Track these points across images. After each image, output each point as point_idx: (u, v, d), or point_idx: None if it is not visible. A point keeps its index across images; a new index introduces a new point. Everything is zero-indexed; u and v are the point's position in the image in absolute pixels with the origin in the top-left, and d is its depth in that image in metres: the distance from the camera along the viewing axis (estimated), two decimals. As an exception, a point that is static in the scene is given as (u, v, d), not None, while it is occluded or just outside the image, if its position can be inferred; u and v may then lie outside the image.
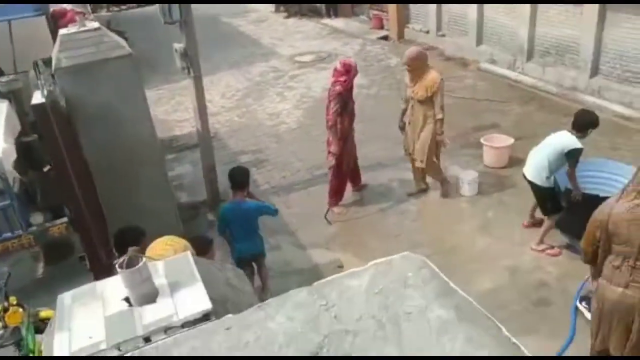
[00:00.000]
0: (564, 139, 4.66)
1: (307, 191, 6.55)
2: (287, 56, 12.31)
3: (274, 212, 4.67)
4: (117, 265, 1.94)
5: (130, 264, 1.92)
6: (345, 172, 5.95)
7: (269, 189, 6.59)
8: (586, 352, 3.66)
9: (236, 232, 4.53)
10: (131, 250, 2.00)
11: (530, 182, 4.94)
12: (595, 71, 7.94)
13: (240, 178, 4.50)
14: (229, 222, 4.50)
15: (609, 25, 7.59)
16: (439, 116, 5.61)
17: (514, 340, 1.48)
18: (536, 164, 4.85)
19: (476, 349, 1.40)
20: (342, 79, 5.51)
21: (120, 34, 6.51)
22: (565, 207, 4.82)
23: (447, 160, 6.87)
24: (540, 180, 4.82)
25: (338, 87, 5.52)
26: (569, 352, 3.90)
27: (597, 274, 3.15)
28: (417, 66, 5.64)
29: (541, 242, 5.08)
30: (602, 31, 7.69)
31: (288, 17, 16.07)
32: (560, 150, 4.64)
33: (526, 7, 8.83)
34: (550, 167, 4.74)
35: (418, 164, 5.92)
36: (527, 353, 1.48)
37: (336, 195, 5.98)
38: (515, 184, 6.07)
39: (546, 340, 4.02)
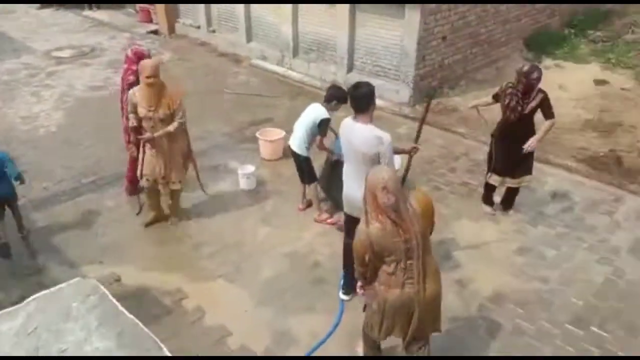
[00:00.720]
0: (316, 111, 5.19)
1: (75, 202, 5.92)
2: (43, 52, 10.95)
3: (16, 173, 4.94)
4: None
5: None
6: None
7: (27, 203, 5.77)
8: (354, 324, 4.04)
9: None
10: None
11: (294, 153, 5.41)
12: (351, 67, 8.81)
13: None
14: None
15: (359, 25, 8.46)
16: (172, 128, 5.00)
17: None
18: (298, 136, 5.32)
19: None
20: (135, 67, 5.15)
21: None
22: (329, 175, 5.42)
23: (226, 155, 6.93)
24: (301, 150, 5.33)
25: (131, 77, 5.24)
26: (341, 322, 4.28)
27: (369, 283, 3.26)
28: (158, 79, 4.87)
29: (320, 211, 5.57)
30: (354, 30, 8.55)
31: (42, 7, 14.28)
32: (313, 121, 5.17)
33: (288, 7, 9.33)
34: (308, 138, 5.26)
35: (176, 187, 5.32)
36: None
37: (131, 184, 5.75)
38: (291, 174, 6.40)
39: (323, 315, 4.35)
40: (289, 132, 7.06)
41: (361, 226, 3.10)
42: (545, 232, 5.31)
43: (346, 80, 8.71)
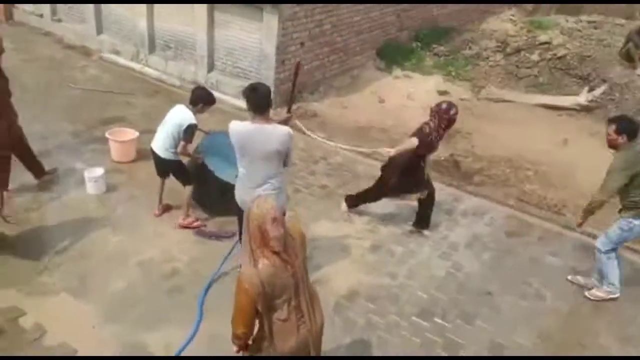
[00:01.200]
0: (182, 115, 4.95)
1: None
2: None
3: None
4: None
5: None
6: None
7: None
8: (211, 333, 3.94)
9: None
10: None
11: (158, 157, 5.12)
12: (211, 66, 8.63)
13: None
14: None
15: (218, 25, 8.32)
16: None
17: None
18: (162, 139, 5.04)
19: None
20: None
21: None
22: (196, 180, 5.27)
23: (72, 157, 6.36)
24: (167, 154, 5.05)
25: None
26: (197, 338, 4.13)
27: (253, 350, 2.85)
28: None
29: (187, 215, 5.32)
30: (213, 30, 8.39)
31: None
32: (179, 125, 4.91)
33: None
34: (175, 142, 4.99)
35: None
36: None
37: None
38: (145, 177, 6.07)
39: (179, 326, 4.16)
40: (144, 132, 6.73)
41: (245, 271, 2.67)
42: (394, 231, 5.68)
43: (207, 80, 8.52)
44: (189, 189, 5.27)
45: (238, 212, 4.42)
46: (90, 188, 5.69)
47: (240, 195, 4.17)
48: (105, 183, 5.78)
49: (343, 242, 5.41)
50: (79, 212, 5.41)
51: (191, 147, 5.16)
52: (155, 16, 8.98)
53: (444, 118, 5.07)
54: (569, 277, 5.13)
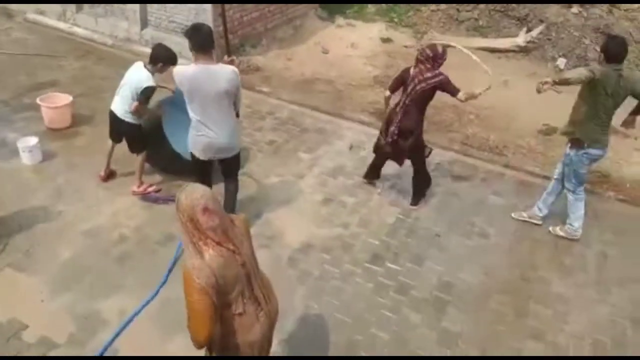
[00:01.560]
0: (139, 75, 4.67)
1: None
2: None
3: None
4: None
5: None
6: None
7: None
8: (172, 296, 3.93)
9: None
10: None
11: (116, 119, 4.87)
12: (145, 22, 8.20)
13: None
14: None
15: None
16: None
17: None
18: (121, 100, 4.79)
19: None
20: None
21: None
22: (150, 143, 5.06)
23: (2, 127, 6.02)
24: (126, 116, 4.81)
25: None
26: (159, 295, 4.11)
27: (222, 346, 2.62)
28: None
29: (140, 182, 5.15)
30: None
31: None
32: (135, 87, 4.66)
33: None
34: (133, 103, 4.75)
35: None
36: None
37: None
38: (84, 144, 5.84)
39: (133, 292, 4.12)
40: (78, 96, 6.43)
41: (193, 263, 2.37)
42: (344, 183, 5.73)
43: (141, 37, 8.13)
44: (142, 156, 5.08)
45: (194, 166, 4.42)
46: (26, 158, 5.42)
47: (196, 142, 4.19)
48: (40, 152, 5.51)
49: (295, 197, 5.43)
50: (17, 185, 5.17)
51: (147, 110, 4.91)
52: (80, -30, 8.40)
53: (439, 63, 4.78)
54: (513, 215, 5.36)
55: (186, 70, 3.99)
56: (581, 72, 4.42)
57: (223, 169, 4.58)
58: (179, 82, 3.98)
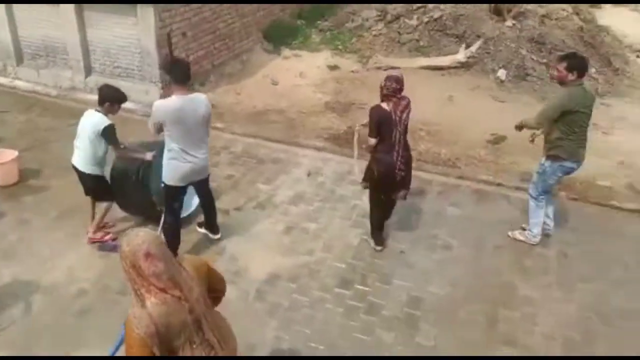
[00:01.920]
0: (92, 120, 4.57)
1: None
2: None
3: None
4: None
5: None
6: None
7: None
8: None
9: None
10: None
11: (80, 173, 4.76)
12: (89, 70, 8.11)
13: None
14: None
15: (89, 25, 7.81)
16: None
17: None
18: (82, 153, 4.67)
19: None
20: None
21: None
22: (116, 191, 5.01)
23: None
24: (90, 169, 4.71)
25: None
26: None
27: None
28: None
29: (98, 229, 5.03)
30: (85, 30, 7.86)
31: None
32: (92, 132, 4.55)
33: (1, 8, 8.11)
34: (95, 153, 4.64)
35: None
36: None
37: None
38: (35, 200, 5.65)
39: (95, 348, 3.92)
40: (24, 151, 6.24)
41: (134, 312, 2.30)
42: (305, 209, 5.73)
43: (86, 84, 8.03)
44: (106, 206, 4.95)
45: (172, 194, 4.59)
46: (-28, 219, 5.20)
47: (177, 170, 4.41)
48: (-11, 211, 5.30)
49: (257, 229, 5.38)
50: (-38, 248, 4.93)
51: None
52: (18, 24, 8.26)
53: (403, 88, 4.67)
54: (510, 234, 5.32)
55: (169, 103, 4.24)
56: (555, 107, 4.69)
57: (198, 188, 4.87)
58: (163, 114, 4.22)
